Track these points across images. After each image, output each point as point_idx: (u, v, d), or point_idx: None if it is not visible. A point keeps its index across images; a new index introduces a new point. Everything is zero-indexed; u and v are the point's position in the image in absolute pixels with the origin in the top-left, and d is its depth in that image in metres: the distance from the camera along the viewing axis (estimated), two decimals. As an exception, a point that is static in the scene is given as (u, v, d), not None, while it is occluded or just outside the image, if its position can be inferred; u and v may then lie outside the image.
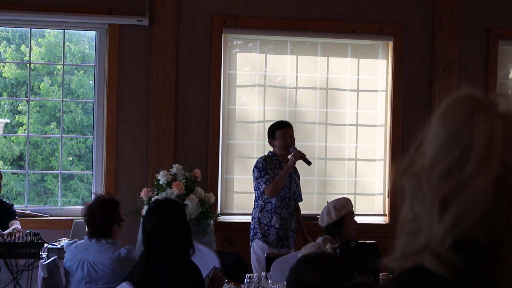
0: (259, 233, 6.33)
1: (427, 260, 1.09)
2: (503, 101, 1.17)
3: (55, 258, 5.36)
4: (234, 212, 7.31)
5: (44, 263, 5.05)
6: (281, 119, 6.72)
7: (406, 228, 1.15)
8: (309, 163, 6.31)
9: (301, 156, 6.23)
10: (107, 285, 4.93)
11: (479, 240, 1.08)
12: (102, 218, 5.03)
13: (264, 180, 6.26)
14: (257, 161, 6.41)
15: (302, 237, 6.49)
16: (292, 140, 6.38)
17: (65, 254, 5.23)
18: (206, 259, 5.20)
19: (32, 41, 8.05)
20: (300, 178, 6.65)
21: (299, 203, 6.60)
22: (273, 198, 6.28)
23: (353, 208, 5.54)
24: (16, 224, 6.31)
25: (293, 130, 6.46)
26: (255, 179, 6.34)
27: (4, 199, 6.59)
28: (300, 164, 6.41)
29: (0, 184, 6.48)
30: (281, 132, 6.35)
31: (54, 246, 5.90)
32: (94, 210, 5.06)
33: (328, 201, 5.60)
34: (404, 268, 1.14)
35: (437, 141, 1.13)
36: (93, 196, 5.34)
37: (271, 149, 6.47)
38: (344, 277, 2.89)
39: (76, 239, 5.32)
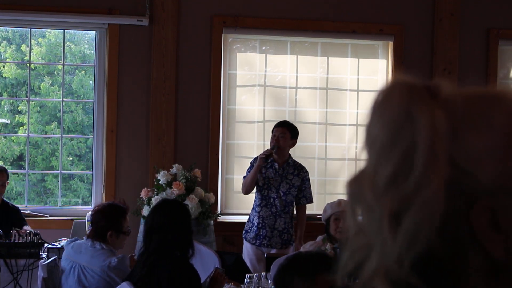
0: (244, 230, 6.45)
1: (380, 286, 0.91)
2: (443, 86, 0.98)
3: (55, 258, 5.35)
4: (234, 212, 7.31)
5: (44, 263, 5.05)
6: (283, 119, 6.73)
7: (351, 245, 0.96)
8: (270, 154, 6.31)
9: (262, 156, 6.25)
10: None
11: (439, 255, 0.92)
12: (100, 219, 4.96)
13: (244, 177, 6.44)
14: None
15: (297, 240, 6.40)
16: (281, 140, 6.32)
17: (63, 253, 5.21)
18: (206, 259, 5.20)
19: (32, 41, 8.05)
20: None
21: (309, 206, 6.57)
22: (246, 194, 6.46)
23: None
24: (28, 227, 6.30)
25: (289, 131, 6.37)
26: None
27: (5, 199, 6.59)
28: (300, 163, 6.41)
29: (5, 184, 6.47)
30: (274, 130, 6.40)
31: (54, 246, 5.90)
32: (98, 210, 5.04)
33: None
34: None
35: (376, 143, 0.94)
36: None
37: (266, 146, 6.54)
38: (321, 270, 2.92)
39: (77, 237, 5.29)
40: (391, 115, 0.94)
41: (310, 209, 7.22)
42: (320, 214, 5.60)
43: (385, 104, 0.96)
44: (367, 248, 0.94)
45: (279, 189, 6.35)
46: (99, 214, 4.99)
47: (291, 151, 6.49)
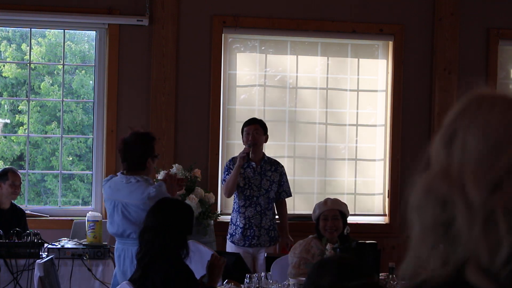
0: (228, 234, 6.42)
1: (472, 276, 1.01)
2: None
3: (52, 257, 5.34)
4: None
5: (41, 262, 5.03)
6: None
7: (432, 237, 1.07)
8: (249, 157, 6.29)
9: (242, 155, 6.23)
10: None
11: None
12: (136, 150, 4.94)
13: (223, 180, 6.40)
14: (226, 162, 6.49)
15: (283, 235, 6.42)
16: (256, 137, 6.29)
17: (104, 193, 5.17)
18: (206, 259, 5.19)
19: (32, 40, 8.06)
20: (300, 178, 6.65)
21: (291, 201, 6.58)
22: (229, 197, 6.43)
23: (347, 209, 5.44)
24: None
25: (261, 127, 6.34)
26: (221, 180, 6.44)
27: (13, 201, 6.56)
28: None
29: (20, 185, 6.46)
30: (245, 129, 6.35)
31: (54, 246, 5.90)
32: (129, 141, 4.98)
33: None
34: (437, 280, 1.05)
35: (475, 151, 1.05)
36: (129, 131, 5.17)
37: (267, 148, 6.51)
38: (353, 277, 2.90)
39: (112, 175, 5.20)
40: (493, 128, 1.05)
41: (310, 209, 7.21)
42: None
43: (486, 116, 1.07)
44: (452, 241, 1.05)
45: (260, 187, 6.34)
46: (135, 146, 4.94)
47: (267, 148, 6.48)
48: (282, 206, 6.48)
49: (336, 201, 5.41)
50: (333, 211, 5.29)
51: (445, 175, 1.07)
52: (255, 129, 6.29)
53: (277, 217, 6.50)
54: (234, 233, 6.36)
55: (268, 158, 6.47)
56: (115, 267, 5.27)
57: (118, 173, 5.09)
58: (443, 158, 1.09)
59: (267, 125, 6.52)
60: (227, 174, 6.35)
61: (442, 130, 1.12)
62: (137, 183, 4.90)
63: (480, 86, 1.15)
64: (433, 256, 1.06)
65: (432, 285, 1.07)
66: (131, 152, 4.96)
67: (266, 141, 6.43)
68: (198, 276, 4.35)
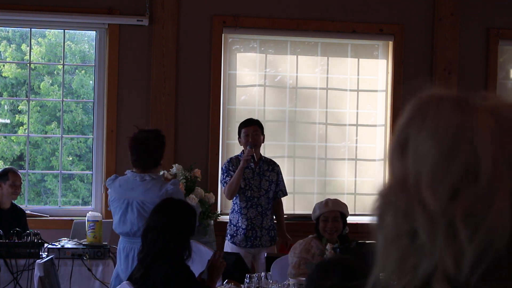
0: (228, 235, 6.39)
1: (439, 287, 0.98)
2: (476, 97, 1.04)
3: (52, 257, 5.34)
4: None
5: (41, 262, 5.03)
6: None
7: (396, 250, 1.04)
8: (255, 160, 6.28)
9: (247, 158, 6.20)
10: None
11: (503, 259, 0.99)
12: (155, 148, 4.95)
13: (223, 182, 6.34)
14: (224, 162, 6.45)
15: (281, 234, 6.42)
16: (256, 138, 6.27)
17: (108, 192, 5.12)
18: (206, 259, 5.19)
19: (32, 40, 8.05)
20: (300, 178, 6.65)
21: (289, 200, 6.58)
22: (231, 199, 6.36)
23: (347, 210, 5.43)
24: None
25: (260, 128, 6.33)
26: (220, 181, 6.39)
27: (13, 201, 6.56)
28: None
29: (21, 185, 6.46)
30: (244, 130, 6.30)
31: (54, 246, 5.90)
32: (146, 139, 4.96)
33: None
34: None
35: (427, 158, 1.01)
36: (136, 130, 5.16)
37: (263, 148, 6.50)
38: (356, 279, 2.90)
39: (116, 175, 5.19)
40: (444, 131, 1.00)
41: (310, 209, 7.22)
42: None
43: (434, 120, 1.02)
44: (415, 253, 1.01)
45: (260, 187, 6.33)
46: (151, 143, 4.94)
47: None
48: (279, 206, 6.48)
49: (337, 202, 5.40)
50: (334, 212, 5.28)
51: (402, 186, 1.03)
52: (255, 130, 6.28)
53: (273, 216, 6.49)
54: (235, 234, 6.33)
55: (265, 158, 6.47)
56: (115, 266, 5.26)
57: (128, 172, 5.06)
58: (398, 168, 1.05)
59: (267, 125, 6.52)
60: (227, 176, 6.32)
61: (394, 139, 1.07)
62: (152, 180, 4.93)
63: (427, 88, 1.09)
64: (400, 270, 1.03)
65: None
66: (149, 150, 4.96)
67: (263, 141, 6.43)
68: (197, 275, 4.36)
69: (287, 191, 6.56)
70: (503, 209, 0.97)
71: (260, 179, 6.33)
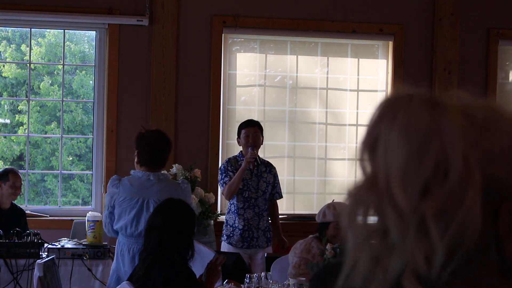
0: (224, 235, 6.39)
1: (409, 285, 0.98)
2: (448, 96, 1.05)
3: (53, 257, 5.34)
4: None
5: (41, 262, 5.02)
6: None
7: (367, 249, 1.03)
8: (258, 163, 6.30)
9: (251, 160, 6.20)
10: None
11: (470, 257, 0.99)
12: (168, 148, 5.00)
13: (222, 182, 6.34)
14: (222, 163, 6.45)
15: (277, 236, 6.41)
16: (255, 139, 6.27)
17: (112, 192, 5.01)
18: (206, 259, 5.19)
19: (32, 41, 8.05)
20: (300, 178, 6.64)
21: (285, 202, 6.58)
22: (229, 200, 6.35)
23: None
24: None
25: (259, 129, 6.33)
26: (218, 181, 6.40)
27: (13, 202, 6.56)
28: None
29: (21, 186, 6.46)
30: (244, 131, 6.30)
31: (54, 246, 5.90)
32: (159, 139, 4.99)
33: (334, 200, 5.59)
34: None
35: (397, 156, 1.00)
36: (143, 130, 5.18)
37: (262, 148, 6.50)
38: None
39: (118, 176, 5.14)
40: (414, 130, 1.00)
41: (310, 209, 7.23)
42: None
43: (405, 120, 1.01)
44: (385, 250, 1.01)
45: (258, 189, 6.33)
46: (166, 145, 4.98)
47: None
48: (274, 208, 6.47)
49: None
50: None
51: (372, 185, 1.02)
52: (255, 132, 6.28)
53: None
54: (231, 235, 6.34)
55: (262, 159, 6.46)
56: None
57: (136, 171, 5.02)
58: (368, 167, 1.04)
59: (267, 125, 6.53)
60: (225, 176, 6.31)
61: (365, 138, 1.06)
62: (166, 179, 4.98)
63: (398, 87, 1.09)
64: (370, 269, 1.02)
65: None
66: (161, 151, 4.98)
67: (262, 143, 6.43)
68: (198, 276, 4.37)
69: (287, 190, 6.58)
70: (473, 206, 0.96)
71: (258, 180, 6.33)
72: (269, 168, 6.42)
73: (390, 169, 1.01)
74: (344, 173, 7.53)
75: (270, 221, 6.43)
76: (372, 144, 1.04)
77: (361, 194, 1.04)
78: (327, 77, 7.52)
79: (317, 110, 7.50)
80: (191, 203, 5.15)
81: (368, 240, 1.03)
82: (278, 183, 6.48)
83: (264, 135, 6.42)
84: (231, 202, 6.36)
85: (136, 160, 5.08)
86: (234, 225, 6.33)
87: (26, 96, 8.41)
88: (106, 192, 7.04)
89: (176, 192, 4.86)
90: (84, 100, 8.62)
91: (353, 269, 1.03)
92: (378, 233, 1.02)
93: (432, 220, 0.97)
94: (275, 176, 6.45)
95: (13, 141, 9.27)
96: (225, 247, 6.34)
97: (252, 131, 6.27)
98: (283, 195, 6.61)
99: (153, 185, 4.92)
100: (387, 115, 1.03)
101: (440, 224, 0.97)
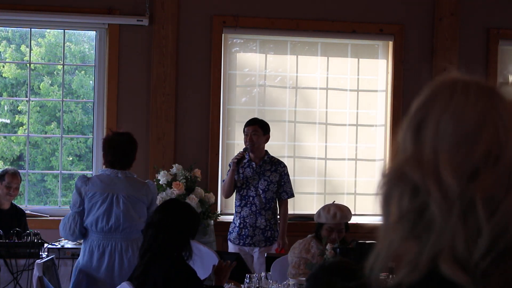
0: (228, 231, 6.48)
1: (447, 268, 0.98)
2: (503, 85, 1.09)
3: (53, 257, 5.34)
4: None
5: (40, 262, 5.02)
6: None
7: (403, 227, 1.03)
8: (243, 157, 6.34)
9: (234, 160, 6.27)
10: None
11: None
12: (132, 150, 5.15)
13: (223, 180, 6.47)
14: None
15: (280, 236, 6.36)
16: (254, 138, 6.29)
17: (81, 189, 5.07)
18: (206, 259, 5.19)
19: (32, 41, 8.05)
20: (300, 178, 6.63)
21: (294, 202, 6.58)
22: (227, 198, 6.55)
23: (351, 215, 5.35)
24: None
25: (260, 128, 6.33)
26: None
27: (13, 202, 6.56)
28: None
29: (19, 186, 6.46)
30: (245, 130, 6.38)
31: (54, 246, 5.90)
32: (124, 140, 5.14)
33: (335, 201, 5.57)
34: (411, 279, 1.01)
35: (449, 138, 1.02)
36: (110, 133, 5.42)
37: (268, 148, 6.52)
38: (350, 279, 2.90)
39: (84, 175, 5.25)
40: (471, 113, 1.02)
41: (310, 209, 7.23)
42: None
43: (462, 102, 1.03)
44: (425, 230, 1.01)
45: (257, 187, 6.33)
46: (130, 146, 5.16)
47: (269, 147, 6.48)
48: (281, 207, 6.45)
49: (345, 215, 5.22)
50: (340, 224, 5.21)
51: (416, 162, 1.04)
52: (254, 130, 6.29)
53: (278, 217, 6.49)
54: (232, 231, 6.43)
55: (271, 157, 6.42)
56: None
57: (105, 170, 5.16)
58: (411, 144, 1.06)
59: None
60: (226, 175, 6.39)
61: (410, 116, 1.09)
62: (132, 177, 5.14)
63: (451, 71, 1.11)
64: (405, 247, 1.03)
65: (407, 285, 1.03)
66: (125, 153, 5.13)
67: (267, 141, 6.40)
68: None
69: (289, 191, 6.54)
70: None
71: (259, 179, 6.33)
72: (276, 167, 6.38)
73: (439, 149, 1.02)
74: (344, 173, 7.53)
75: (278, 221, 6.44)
76: (419, 124, 1.06)
77: (403, 171, 1.05)
78: (327, 77, 7.51)
79: (317, 110, 7.49)
80: (156, 200, 5.30)
81: (405, 217, 1.03)
82: (287, 182, 6.41)
83: (268, 133, 6.41)
84: (235, 199, 6.41)
85: (103, 161, 5.28)
86: (234, 222, 6.41)
87: (26, 96, 8.41)
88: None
89: (143, 189, 5.10)
90: (84, 100, 8.62)
91: (384, 249, 1.05)
92: (414, 213, 1.02)
93: (481, 203, 0.98)
94: (282, 175, 6.38)
95: (13, 141, 9.27)
96: (229, 244, 6.41)
97: (250, 130, 6.30)
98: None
99: (121, 181, 5.08)
100: (441, 97, 1.06)
101: (487, 209, 0.98)
